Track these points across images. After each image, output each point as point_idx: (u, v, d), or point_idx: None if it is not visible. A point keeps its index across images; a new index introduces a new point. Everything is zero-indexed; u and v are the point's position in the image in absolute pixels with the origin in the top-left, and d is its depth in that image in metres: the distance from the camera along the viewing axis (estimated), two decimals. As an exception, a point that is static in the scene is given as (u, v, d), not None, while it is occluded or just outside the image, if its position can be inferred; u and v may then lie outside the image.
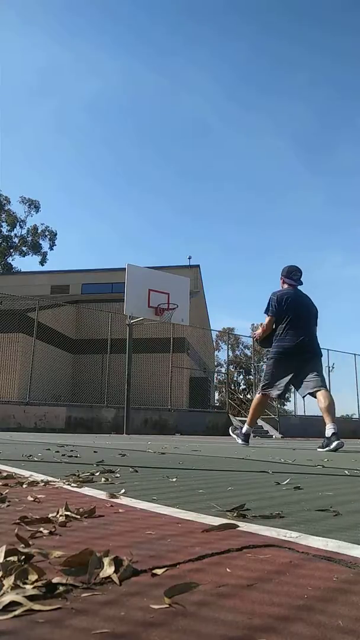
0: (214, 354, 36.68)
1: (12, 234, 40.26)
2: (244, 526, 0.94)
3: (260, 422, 17.64)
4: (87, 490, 1.41)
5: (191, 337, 22.55)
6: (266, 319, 5.37)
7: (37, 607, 0.51)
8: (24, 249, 40.46)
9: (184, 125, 74.25)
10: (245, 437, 5.48)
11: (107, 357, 15.97)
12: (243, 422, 5.59)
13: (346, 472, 2.22)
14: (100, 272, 27.47)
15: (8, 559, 0.66)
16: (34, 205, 39.86)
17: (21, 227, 40.12)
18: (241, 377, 49.09)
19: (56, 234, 40.59)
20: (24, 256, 40.95)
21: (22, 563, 0.64)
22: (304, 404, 19.48)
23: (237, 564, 0.69)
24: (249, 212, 78.72)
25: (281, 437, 15.22)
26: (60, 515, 0.99)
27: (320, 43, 68.86)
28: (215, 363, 36.48)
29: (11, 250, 40.50)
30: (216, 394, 31.82)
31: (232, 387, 27.69)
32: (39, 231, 39.98)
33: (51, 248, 40.54)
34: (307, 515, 1.07)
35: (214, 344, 36.21)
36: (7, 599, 0.52)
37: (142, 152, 75.75)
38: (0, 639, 0.44)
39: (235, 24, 68.30)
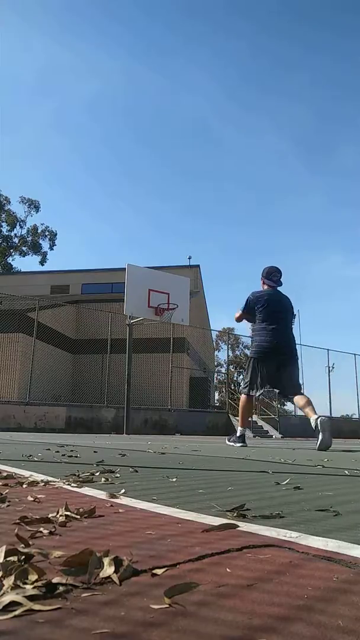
0: (214, 354, 36.70)
1: (12, 234, 40.30)
2: (244, 526, 0.94)
3: (260, 422, 17.66)
4: (87, 490, 1.41)
5: (191, 337, 22.55)
6: (237, 313, 5.62)
7: (37, 607, 0.51)
8: (24, 249, 40.48)
9: (184, 125, 74.36)
10: (241, 438, 5.50)
11: (107, 357, 15.97)
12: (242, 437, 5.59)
13: (346, 472, 2.22)
14: (100, 272, 27.47)
15: (8, 559, 0.66)
16: (34, 205, 39.88)
17: (21, 227, 40.16)
18: (241, 377, 49.09)
19: (56, 234, 40.64)
20: (24, 256, 41.01)
21: (22, 563, 0.64)
22: (304, 404, 19.47)
23: (237, 564, 0.69)
24: (249, 212, 78.82)
25: (281, 437, 15.22)
26: (60, 515, 0.99)
27: (321, 43, 68.99)
28: (215, 363, 36.49)
29: (11, 250, 40.51)
30: (216, 394, 31.82)
31: (232, 387, 27.68)
32: (39, 231, 40.00)
33: (51, 248, 40.58)
34: (307, 515, 1.07)
35: (214, 344, 36.23)
36: (7, 599, 0.52)
37: (142, 152, 75.82)
38: (0, 639, 0.44)
39: (235, 24, 68.36)
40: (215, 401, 29.50)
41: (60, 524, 0.94)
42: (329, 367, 19.30)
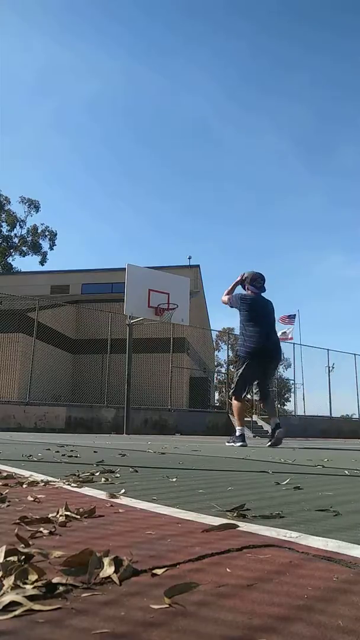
0: (214, 354, 36.69)
1: (12, 234, 40.27)
2: (244, 526, 0.94)
3: (260, 422, 17.66)
4: (87, 490, 1.41)
5: (191, 337, 22.55)
6: (224, 297, 5.99)
7: (37, 607, 0.51)
8: (24, 249, 40.46)
9: (184, 125, 74.32)
10: (240, 437, 5.54)
11: (107, 357, 15.97)
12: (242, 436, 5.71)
13: (346, 472, 2.22)
14: (100, 272, 27.46)
15: (8, 559, 0.66)
16: (33, 205, 39.87)
17: (21, 227, 40.14)
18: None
19: (56, 234, 40.61)
20: (24, 256, 40.98)
21: (22, 563, 0.64)
22: (304, 404, 19.52)
23: (237, 564, 0.69)
24: (249, 212, 78.79)
25: (281, 437, 15.20)
26: (60, 515, 0.99)
27: (321, 43, 68.96)
28: (215, 363, 36.49)
29: (11, 250, 40.50)
30: (216, 394, 31.83)
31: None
32: (39, 231, 39.98)
33: (51, 248, 40.57)
34: (307, 515, 1.07)
35: (214, 344, 36.23)
36: (7, 599, 0.52)
37: (142, 152, 75.81)
38: (1, 639, 0.44)
39: (235, 24, 68.34)
40: (215, 401, 29.51)
41: (60, 524, 0.94)
42: (329, 367, 19.31)
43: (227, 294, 5.99)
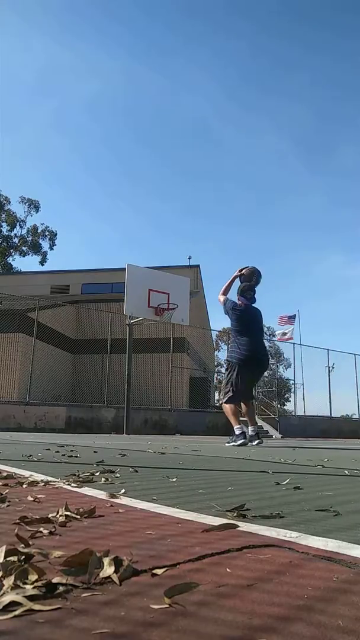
0: (214, 354, 36.69)
1: (12, 234, 40.24)
2: (244, 526, 0.94)
3: (260, 422, 17.66)
4: (87, 490, 1.41)
5: (191, 337, 22.54)
6: (221, 297, 6.23)
7: (37, 607, 0.51)
8: (24, 249, 40.44)
9: (184, 125, 74.24)
10: (241, 435, 5.59)
11: (107, 357, 15.96)
12: (244, 422, 5.78)
13: (346, 472, 2.22)
14: (100, 272, 27.45)
15: (8, 559, 0.66)
16: (33, 205, 39.84)
17: (21, 227, 40.11)
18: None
19: (56, 234, 40.59)
20: (24, 256, 40.95)
21: (22, 563, 0.64)
22: (304, 404, 19.51)
23: (237, 564, 0.69)
24: (249, 212, 78.72)
25: (281, 437, 15.22)
26: (60, 515, 0.99)
27: (321, 43, 68.86)
28: (215, 363, 36.46)
29: (11, 250, 40.49)
30: (216, 394, 31.80)
31: (232, 387, 27.60)
32: (39, 231, 39.95)
33: (51, 248, 40.54)
34: (307, 515, 1.07)
35: (214, 344, 36.22)
36: (7, 599, 0.52)
37: (142, 152, 75.77)
38: (1, 639, 0.44)
39: (235, 24, 68.27)
40: (215, 401, 29.48)
41: (60, 524, 0.94)
42: (329, 367, 19.28)
43: (224, 293, 6.20)
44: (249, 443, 5.61)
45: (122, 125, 73.30)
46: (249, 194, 77.35)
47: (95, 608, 0.52)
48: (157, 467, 2.27)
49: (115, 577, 0.60)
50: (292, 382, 20.53)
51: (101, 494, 1.32)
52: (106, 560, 0.64)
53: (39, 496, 1.26)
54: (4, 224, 39.79)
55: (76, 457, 2.78)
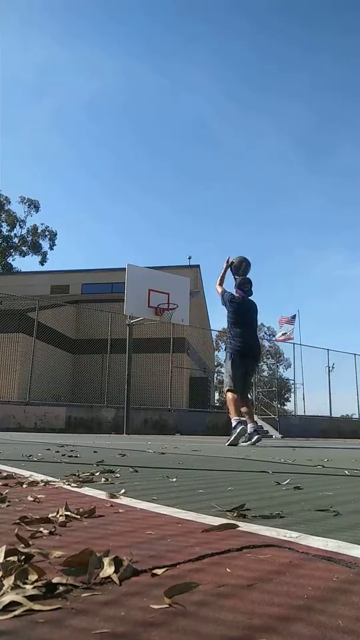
0: (214, 354, 36.69)
1: (12, 234, 40.22)
2: (244, 526, 0.94)
3: (260, 422, 17.66)
4: (87, 490, 1.41)
5: (191, 337, 22.53)
6: (219, 288, 6.40)
7: (37, 607, 0.51)
8: (24, 249, 40.43)
9: (183, 125, 74.23)
10: (239, 424, 5.68)
11: (107, 357, 15.97)
12: (243, 422, 5.82)
13: (346, 472, 2.22)
14: (100, 272, 27.45)
15: (8, 559, 0.66)
16: (33, 205, 39.83)
17: (21, 227, 40.09)
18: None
19: (56, 234, 40.57)
20: (24, 256, 40.93)
21: (22, 563, 0.64)
22: (304, 404, 19.52)
23: (237, 564, 0.69)
24: (249, 212, 78.72)
25: (281, 437, 15.22)
26: (60, 515, 0.99)
27: (321, 43, 68.79)
28: (215, 363, 36.46)
29: (11, 250, 40.48)
30: (216, 394, 31.82)
31: (232, 387, 27.59)
32: (39, 231, 39.94)
33: (51, 248, 40.53)
34: (307, 515, 1.07)
35: (214, 344, 36.22)
36: (7, 599, 0.52)
37: (142, 152, 75.80)
38: (1, 639, 0.44)
39: (235, 23, 68.24)
40: (215, 401, 29.50)
41: (60, 524, 0.94)
42: (329, 367, 19.30)
43: (220, 283, 6.39)
44: (248, 441, 5.70)
45: (122, 125, 73.29)
46: (249, 194, 77.40)
47: (95, 608, 0.52)
48: (157, 467, 2.27)
49: (115, 577, 0.60)
50: (292, 382, 20.56)
51: (101, 494, 1.32)
52: (106, 560, 0.64)
53: (39, 496, 1.26)
54: (4, 224, 39.79)
55: (76, 457, 2.78)
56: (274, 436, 15.58)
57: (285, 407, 31.45)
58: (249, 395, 6.49)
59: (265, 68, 70.22)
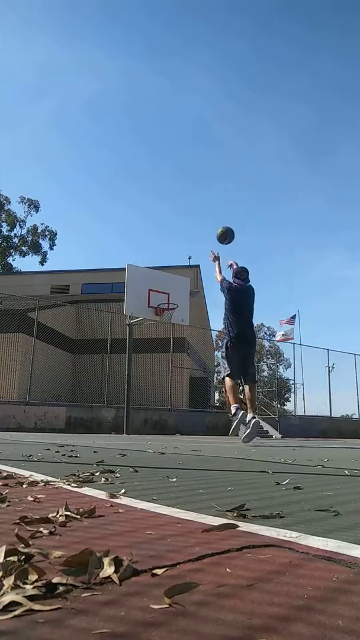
0: (214, 354, 36.66)
1: (12, 234, 40.22)
2: (244, 526, 0.94)
3: (260, 422, 17.65)
4: (87, 490, 1.41)
5: (191, 337, 22.53)
6: (218, 277, 6.71)
7: (37, 607, 0.51)
8: (24, 249, 40.42)
9: (183, 125, 74.13)
10: (238, 411, 5.90)
11: (107, 357, 15.96)
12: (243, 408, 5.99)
13: (346, 472, 2.22)
14: (100, 272, 27.44)
15: (8, 559, 0.66)
16: (33, 205, 39.83)
17: (21, 227, 40.08)
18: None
19: (56, 234, 40.56)
20: (24, 256, 40.90)
21: (22, 563, 0.64)
22: (304, 404, 19.51)
23: (237, 564, 0.69)
24: (249, 212, 78.64)
25: (281, 437, 15.21)
26: (60, 515, 0.99)
27: (321, 43, 68.71)
28: (215, 363, 36.42)
29: (11, 250, 40.49)
30: (216, 394, 31.82)
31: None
32: (38, 231, 39.93)
33: (51, 248, 40.52)
34: (307, 515, 1.07)
35: (214, 344, 36.17)
36: (7, 599, 0.52)
37: (141, 152, 75.74)
38: (1, 639, 0.44)
39: (235, 23, 68.20)
40: (215, 401, 29.50)
41: (60, 524, 0.94)
42: (329, 367, 19.29)
43: (219, 271, 6.74)
44: (247, 430, 5.88)
45: (122, 125, 73.21)
46: (249, 194, 77.29)
47: (95, 608, 0.52)
48: (157, 467, 2.27)
49: (115, 577, 0.60)
50: (292, 382, 20.55)
51: (101, 494, 1.32)
52: (106, 560, 0.64)
53: (39, 496, 1.26)
54: (4, 224, 39.78)
55: (76, 457, 2.78)
56: (274, 436, 15.57)
57: (285, 407, 31.47)
58: (255, 381, 6.55)
59: (265, 68, 70.15)
